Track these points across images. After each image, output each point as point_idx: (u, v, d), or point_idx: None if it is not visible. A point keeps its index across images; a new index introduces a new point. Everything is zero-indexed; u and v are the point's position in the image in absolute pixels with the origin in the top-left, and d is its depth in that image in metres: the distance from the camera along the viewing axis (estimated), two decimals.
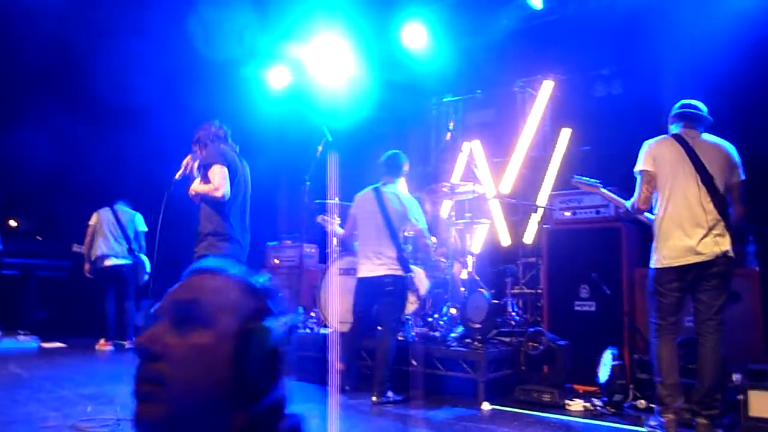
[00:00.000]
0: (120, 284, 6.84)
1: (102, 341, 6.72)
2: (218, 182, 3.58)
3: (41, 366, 5.37)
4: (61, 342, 7.05)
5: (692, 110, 3.66)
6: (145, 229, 7.07)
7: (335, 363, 5.18)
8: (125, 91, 6.98)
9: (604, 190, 4.09)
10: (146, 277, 7.05)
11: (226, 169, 3.63)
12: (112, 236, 6.85)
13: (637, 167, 3.69)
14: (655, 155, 3.64)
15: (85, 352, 6.40)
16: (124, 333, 6.84)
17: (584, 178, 4.14)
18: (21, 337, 6.83)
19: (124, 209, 7.05)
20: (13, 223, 8.90)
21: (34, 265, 8.27)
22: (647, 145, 3.70)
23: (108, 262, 6.80)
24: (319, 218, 5.21)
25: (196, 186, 3.70)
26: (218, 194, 3.58)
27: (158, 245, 3.63)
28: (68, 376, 4.80)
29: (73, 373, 4.98)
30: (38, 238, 9.02)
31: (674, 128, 3.72)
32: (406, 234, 4.55)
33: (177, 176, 3.77)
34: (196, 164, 3.80)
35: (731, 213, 3.52)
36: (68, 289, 8.31)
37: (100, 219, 6.92)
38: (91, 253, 6.90)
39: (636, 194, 3.69)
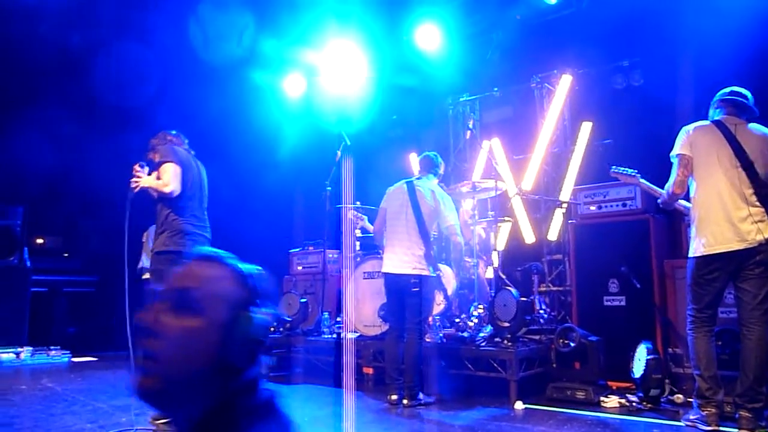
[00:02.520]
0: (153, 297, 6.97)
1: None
2: (168, 179, 3.67)
3: (74, 380, 5.43)
4: (91, 356, 7.14)
5: (737, 97, 3.60)
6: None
7: (362, 367, 5.19)
8: (138, 99, 7.08)
9: (642, 180, 4.05)
10: None
11: (178, 168, 3.72)
12: None
13: (674, 151, 3.63)
14: (692, 140, 3.58)
15: (116, 365, 6.46)
16: None
17: (621, 168, 4.09)
18: (52, 353, 6.93)
19: None
20: (40, 240, 9.04)
21: (62, 281, 8.39)
22: (685, 130, 3.64)
23: (146, 275, 6.95)
24: (350, 214, 5.21)
25: (146, 179, 3.75)
26: (167, 189, 3.66)
27: (127, 258, 3.68)
28: (101, 389, 4.85)
29: (105, 386, 5.03)
30: (65, 255, 9.16)
31: (715, 114, 3.65)
32: (434, 232, 4.49)
33: (132, 184, 3.77)
34: (146, 171, 3.85)
35: None
36: (96, 305, 8.43)
37: (149, 236, 7.13)
38: (138, 265, 7.12)
39: (671, 179, 3.62)
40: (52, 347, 7.04)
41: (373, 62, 7.29)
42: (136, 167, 3.82)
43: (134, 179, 3.79)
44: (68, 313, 8.33)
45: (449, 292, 4.42)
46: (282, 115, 8.06)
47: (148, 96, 7.27)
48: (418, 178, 4.60)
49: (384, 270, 4.41)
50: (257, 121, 7.91)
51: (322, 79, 7.65)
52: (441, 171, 4.73)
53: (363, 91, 7.35)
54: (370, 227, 4.86)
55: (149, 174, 3.87)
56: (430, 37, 6.89)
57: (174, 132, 4.03)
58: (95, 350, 7.46)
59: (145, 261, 7.12)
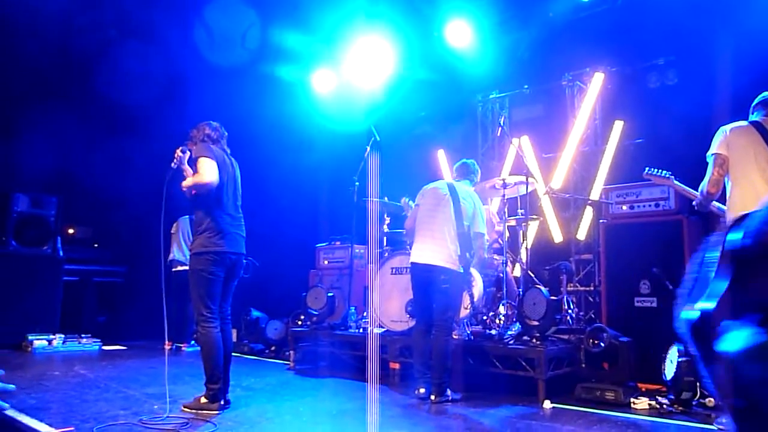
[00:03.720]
0: (184, 289, 7.06)
1: (167, 342, 7.04)
2: (204, 171, 3.71)
3: (105, 367, 5.54)
4: (121, 344, 7.28)
5: None
6: None
7: (389, 362, 5.20)
8: (166, 98, 7.18)
9: (676, 182, 4.00)
10: None
11: (214, 162, 3.76)
12: (186, 244, 7.18)
13: (710, 151, 3.57)
14: (729, 140, 3.52)
15: (145, 354, 6.59)
16: (183, 336, 7.05)
17: (655, 170, 4.05)
18: (83, 341, 7.08)
19: None
20: (71, 231, 9.23)
21: (92, 271, 8.55)
22: (722, 130, 3.58)
23: (177, 268, 7.15)
24: (403, 201, 5.23)
25: (187, 180, 3.81)
26: (206, 179, 3.69)
27: (163, 236, 3.75)
28: (132, 377, 4.94)
29: (136, 374, 5.13)
30: (95, 245, 9.34)
31: (755, 116, 3.60)
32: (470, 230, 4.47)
33: (173, 164, 3.86)
34: (187, 156, 3.90)
35: None
36: (125, 295, 8.59)
37: (179, 227, 7.35)
38: (167, 258, 7.24)
39: (706, 178, 3.57)
40: (83, 335, 7.19)
41: (402, 58, 7.29)
42: (178, 151, 3.88)
43: (175, 160, 3.86)
44: (98, 303, 8.50)
45: (475, 299, 4.37)
46: (311, 110, 8.10)
47: (178, 93, 7.37)
48: (457, 180, 4.61)
49: (413, 260, 4.36)
50: (286, 116, 7.97)
51: (352, 74, 7.67)
52: (477, 179, 4.72)
53: (392, 87, 7.36)
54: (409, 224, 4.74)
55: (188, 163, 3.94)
56: (461, 34, 6.87)
57: (215, 124, 4.06)
58: (125, 339, 7.60)
59: (176, 253, 7.23)
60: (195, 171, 3.82)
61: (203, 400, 3.67)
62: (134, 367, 5.58)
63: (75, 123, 7.60)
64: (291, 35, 7.38)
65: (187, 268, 6.94)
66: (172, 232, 7.37)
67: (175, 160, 3.87)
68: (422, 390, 4.17)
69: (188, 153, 3.91)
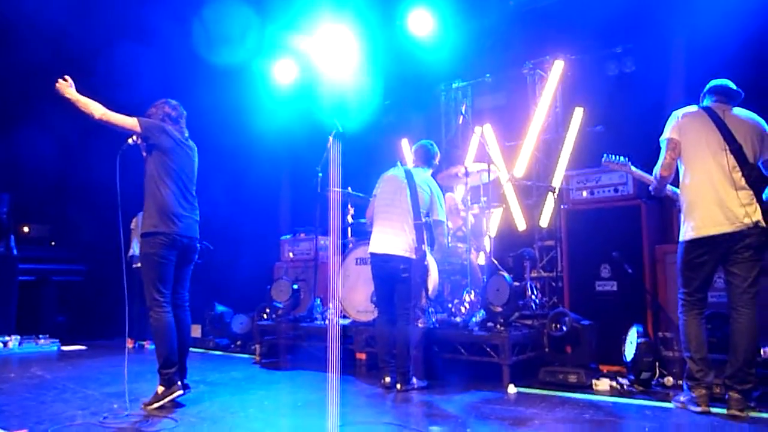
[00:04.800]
0: None
1: (129, 340, 6.90)
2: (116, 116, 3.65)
3: (64, 368, 5.38)
4: (81, 344, 7.09)
5: (725, 86, 3.64)
6: None
7: (355, 353, 5.19)
8: (129, 91, 6.97)
9: (633, 168, 4.08)
10: None
11: (135, 120, 3.71)
12: None
13: (663, 135, 3.66)
14: (681, 125, 3.61)
15: (106, 353, 6.43)
16: (146, 333, 6.90)
17: (613, 157, 4.12)
18: (41, 341, 6.87)
19: None
20: (26, 229, 8.93)
21: (50, 270, 8.30)
22: (675, 115, 3.67)
23: (137, 264, 6.91)
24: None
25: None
26: (97, 113, 3.60)
27: (120, 216, 3.67)
28: (91, 377, 4.82)
29: (96, 374, 5.00)
30: (52, 243, 9.06)
31: (706, 101, 3.69)
32: (427, 220, 4.44)
33: (129, 141, 3.77)
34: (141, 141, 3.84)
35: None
36: (85, 293, 8.37)
37: (138, 222, 7.09)
38: (128, 253, 7.09)
39: (659, 162, 3.66)
40: (40, 336, 6.98)
41: (365, 48, 7.24)
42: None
43: (133, 137, 3.75)
44: (57, 302, 8.25)
45: (430, 291, 4.34)
46: (272, 100, 7.99)
47: (138, 88, 7.16)
48: (415, 167, 4.56)
49: (372, 250, 4.32)
50: (246, 107, 7.84)
51: (314, 64, 7.58)
52: (436, 162, 4.65)
53: (355, 77, 7.30)
54: None
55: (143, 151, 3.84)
56: (423, 23, 6.85)
57: (174, 102, 3.95)
58: (85, 339, 7.40)
59: (135, 248, 7.06)
60: (148, 153, 3.76)
61: (160, 389, 3.59)
62: (94, 367, 5.44)
63: (26, 116, 7.35)
64: (252, 24, 7.24)
65: None
66: (131, 227, 7.19)
67: (133, 137, 3.77)
68: (388, 379, 4.17)
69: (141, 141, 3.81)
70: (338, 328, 5.08)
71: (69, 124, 7.72)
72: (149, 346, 6.86)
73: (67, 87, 3.62)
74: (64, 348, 6.86)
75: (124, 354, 6.43)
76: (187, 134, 3.99)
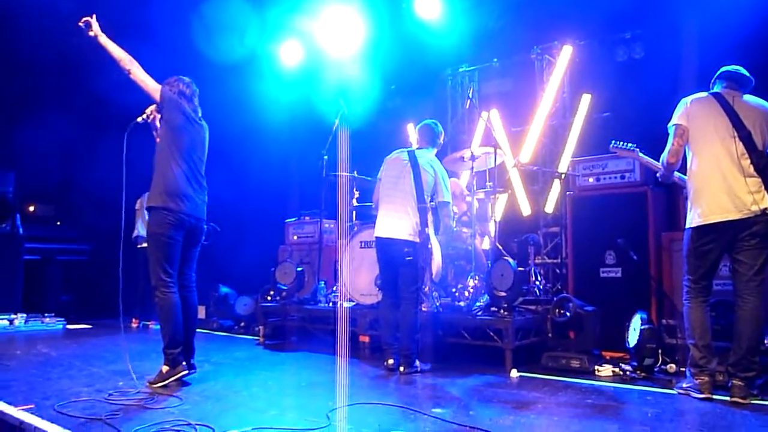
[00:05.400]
0: None
1: (133, 319, 6.98)
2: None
3: (69, 346, 5.43)
4: (86, 323, 7.15)
5: (735, 72, 3.60)
6: None
7: (359, 335, 5.22)
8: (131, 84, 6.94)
9: (641, 155, 4.06)
10: None
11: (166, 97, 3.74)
12: None
13: (671, 121, 3.63)
14: (690, 111, 3.57)
15: (111, 332, 6.48)
16: (150, 313, 6.97)
17: (621, 143, 4.10)
18: (46, 320, 6.93)
19: None
20: (31, 208, 8.96)
21: (55, 249, 8.35)
22: (683, 102, 3.63)
23: (142, 244, 7.05)
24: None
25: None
26: (151, 86, 3.67)
27: (124, 195, 3.69)
28: (97, 354, 4.86)
29: (101, 351, 5.04)
30: (57, 223, 9.10)
31: (716, 87, 3.65)
32: (431, 204, 4.44)
33: (138, 120, 3.77)
34: (159, 116, 3.81)
35: None
36: (90, 273, 8.42)
37: (143, 203, 7.15)
38: (132, 234, 7.15)
39: (667, 148, 3.64)
40: (46, 314, 7.04)
41: (371, 31, 7.18)
42: (152, 108, 3.76)
43: (143, 115, 3.77)
44: (62, 281, 8.32)
45: (434, 273, 4.34)
46: (278, 83, 7.95)
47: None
48: (418, 149, 4.53)
49: (377, 234, 4.33)
50: (252, 89, 7.80)
51: (320, 47, 7.53)
52: (441, 141, 4.62)
53: (361, 60, 7.25)
54: None
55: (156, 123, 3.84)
56: (430, 6, 6.78)
57: (187, 80, 3.92)
58: (90, 318, 7.46)
59: (140, 229, 7.09)
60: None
61: (165, 368, 3.62)
62: (99, 345, 5.49)
63: (31, 97, 7.34)
64: (257, 5, 7.18)
65: None
66: (136, 208, 7.21)
67: (144, 115, 3.76)
68: (391, 361, 4.19)
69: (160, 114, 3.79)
70: (344, 311, 5.10)
71: (75, 105, 7.73)
72: (154, 326, 6.91)
73: (94, 26, 3.60)
74: (70, 326, 6.92)
75: (129, 333, 6.51)
76: (200, 113, 3.96)
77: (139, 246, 7.04)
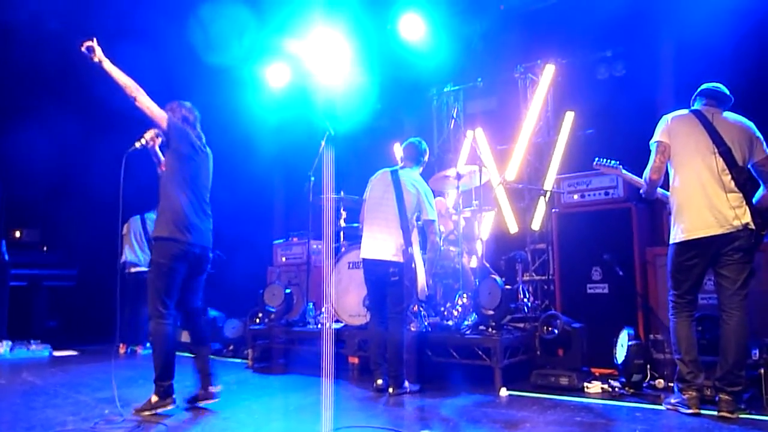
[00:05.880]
0: (139, 291, 6.95)
1: (121, 345, 6.96)
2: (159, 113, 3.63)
3: (55, 373, 5.35)
4: (73, 350, 7.05)
5: (715, 90, 3.67)
6: None
7: (348, 357, 5.19)
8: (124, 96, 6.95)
9: (624, 172, 4.11)
10: None
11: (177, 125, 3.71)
12: (138, 245, 7.09)
13: (653, 138, 3.69)
14: (671, 128, 3.64)
15: (98, 359, 6.39)
16: (138, 338, 6.91)
17: (604, 160, 4.15)
18: (32, 347, 6.83)
19: (152, 218, 7.12)
20: (17, 234, 8.88)
21: (41, 275, 8.26)
22: (664, 119, 3.70)
23: (131, 270, 7.01)
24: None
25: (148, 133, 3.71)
26: (157, 113, 3.61)
27: (121, 221, 3.65)
28: (83, 382, 4.79)
29: (88, 379, 4.97)
30: (44, 248, 9.02)
31: (696, 105, 3.72)
32: (418, 224, 4.46)
33: (137, 145, 3.70)
34: (159, 141, 3.78)
35: (765, 188, 3.50)
36: (77, 299, 8.32)
37: (130, 228, 7.17)
38: (120, 259, 7.06)
39: (649, 165, 3.69)
40: (32, 341, 6.94)
41: (357, 52, 7.25)
42: (151, 132, 3.71)
43: (143, 140, 3.70)
44: (48, 307, 8.22)
45: (418, 291, 4.34)
46: (264, 105, 7.98)
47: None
48: (402, 168, 4.56)
49: (362, 255, 4.34)
50: (238, 111, 7.83)
51: (306, 68, 7.59)
52: (426, 159, 4.65)
53: (347, 81, 7.31)
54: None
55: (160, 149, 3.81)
56: (414, 27, 6.86)
57: (188, 105, 3.88)
58: (76, 344, 7.36)
59: (128, 254, 7.04)
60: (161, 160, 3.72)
61: (154, 399, 3.59)
62: (86, 372, 5.41)
63: (15, 117, 7.31)
64: (244, 27, 7.24)
65: (143, 269, 6.90)
66: (123, 233, 7.16)
67: (143, 140, 3.71)
68: (380, 381, 4.17)
69: (161, 139, 3.76)
70: (332, 332, 5.08)
71: (62, 128, 7.71)
72: (142, 351, 6.83)
73: (97, 50, 3.48)
74: (56, 353, 6.82)
75: (116, 359, 6.42)
76: (204, 139, 3.92)
77: (127, 271, 6.99)
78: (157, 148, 3.82)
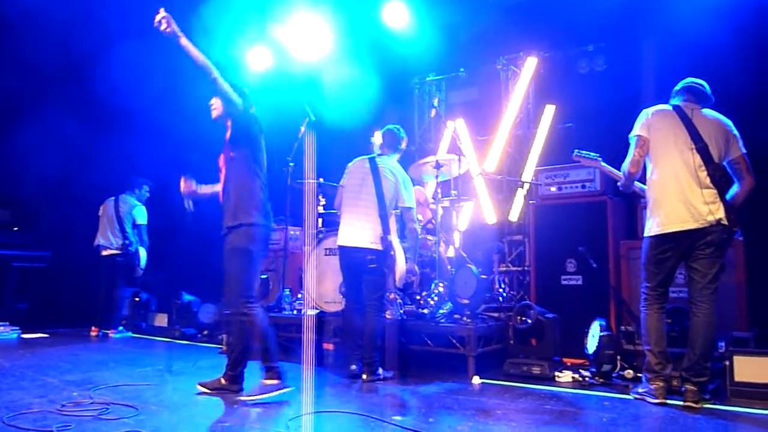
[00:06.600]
0: (112, 274, 6.88)
1: (93, 328, 6.86)
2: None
3: (23, 355, 5.25)
4: (42, 332, 6.93)
5: (696, 86, 3.71)
6: (144, 222, 7.06)
7: (323, 343, 5.18)
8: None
9: (603, 164, 4.14)
10: (140, 269, 7.03)
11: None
12: (110, 227, 6.95)
13: (632, 132, 3.72)
14: (651, 122, 3.67)
15: (69, 341, 6.30)
16: (110, 322, 6.82)
17: (584, 152, 4.17)
18: (1, 329, 6.70)
19: (126, 200, 7.02)
20: None
21: (12, 256, 8.08)
22: (644, 113, 3.73)
23: (103, 252, 6.91)
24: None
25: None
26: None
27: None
28: (52, 364, 4.71)
29: (57, 361, 4.89)
30: (15, 229, 8.83)
31: (676, 100, 3.75)
32: (395, 212, 4.45)
33: (188, 204, 3.88)
34: (193, 184, 3.93)
35: (739, 185, 3.55)
36: (48, 280, 8.17)
37: (105, 210, 7.05)
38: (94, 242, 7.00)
39: (628, 158, 3.72)
40: (0, 323, 6.81)
41: (339, 38, 7.19)
42: (185, 185, 3.87)
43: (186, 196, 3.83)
44: (18, 289, 8.05)
45: (397, 279, 4.35)
46: (245, 87, 7.87)
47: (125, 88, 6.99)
48: (380, 155, 4.54)
49: (340, 243, 4.33)
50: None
51: (287, 53, 7.50)
52: (403, 146, 4.64)
53: (328, 68, 7.25)
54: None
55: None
56: (398, 15, 6.83)
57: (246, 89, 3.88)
58: (47, 327, 7.24)
59: (100, 237, 6.92)
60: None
61: (269, 381, 3.57)
62: (55, 355, 5.32)
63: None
64: (225, 11, 7.12)
65: (114, 252, 6.80)
66: (99, 214, 7.04)
67: (189, 204, 3.86)
68: (353, 367, 4.18)
69: (193, 180, 3.91)
70: (310, 319, 5.06)
71: (36, 106, 7.54)
72: (114, 335, 6.75)
73: (172, 23, 3.27)
74: (25, 336, 6.69)
75: (87, 342, 6.34)
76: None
77: (102, 254, 6.88)
78: (200, 189, 3.93)
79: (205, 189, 3.94)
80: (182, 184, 3.86)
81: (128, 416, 3.07)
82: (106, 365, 4.60)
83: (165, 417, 3.09)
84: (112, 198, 7.01)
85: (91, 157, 7.31)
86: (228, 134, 3.79)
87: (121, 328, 6.88)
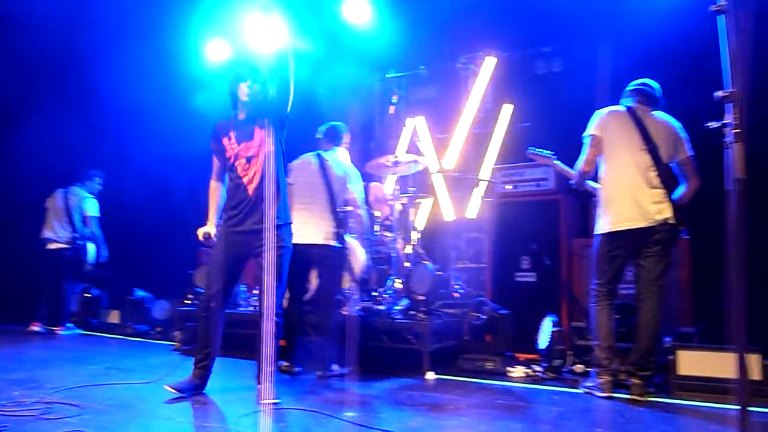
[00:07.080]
0: (59, 269, 6.63)
1: (34, 323, 6.63)
2: None
3: None
4: None
5: (647, 88, 3.81)
6: (95, 214, 6.83)
7: (279, 340, 5.13)
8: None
9: (557, 162, 4.22)
10: (88, 263, 6.80)
11: None
12: (57, 220, 6.72)
13: (586, 132, 3.80)
14: (605, 122, 3.76)
15: (10, 339, 6.06)
16: (57, 319, 6.60)
17: (539, 149, 4.24)
18: None
19: (76, 192, 6.78)
20: None
21: None
22: (599, 113, 3.82)
23: (50, 246, 6.69)
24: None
25: None
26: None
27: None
28: None
29: None
30: None
31: (628, 102, 3.85)
32: (348, 208, 4.44)
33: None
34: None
35: (686, 186, 3.66)
36: None
37: (53, 202, 6.81)
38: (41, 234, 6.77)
39: (581, 157, 3.80)
40: None
41: (299, 33, 7.10)
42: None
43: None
44: None
45: (356, 270, 4.35)
46: (199, 82, 7.73)
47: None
48: (325, 150, 4.53)
49: (294, 241, 4.30)
50: (174, 87, 7.55)
51: (246, 48, 7.38)
52: (346, 140, 4.64)
53: (287, 63, 7.14)
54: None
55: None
56: (359, 11, 6.79)
57: None
58: None
59: (46, 230, 6.68)
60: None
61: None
62: None
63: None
64: (185, 3, 6.97)
65: (61, 245, 6.57)
66: (46, 206, 6.80)
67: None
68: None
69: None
70: (269, 318, 5.00)
71: None
72: (62, 332, 6.54)
73: None
74: None
75: (31, 339, 6.12)
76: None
77: (47, 248, 6.65)
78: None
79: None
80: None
81: (72, 416, 2.97)
82: (52, 363, 4.45)
83: (111, 416, 3.00)
84: (62, 189, 6.78)
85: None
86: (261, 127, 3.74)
87: (70, 324, 6.67)
